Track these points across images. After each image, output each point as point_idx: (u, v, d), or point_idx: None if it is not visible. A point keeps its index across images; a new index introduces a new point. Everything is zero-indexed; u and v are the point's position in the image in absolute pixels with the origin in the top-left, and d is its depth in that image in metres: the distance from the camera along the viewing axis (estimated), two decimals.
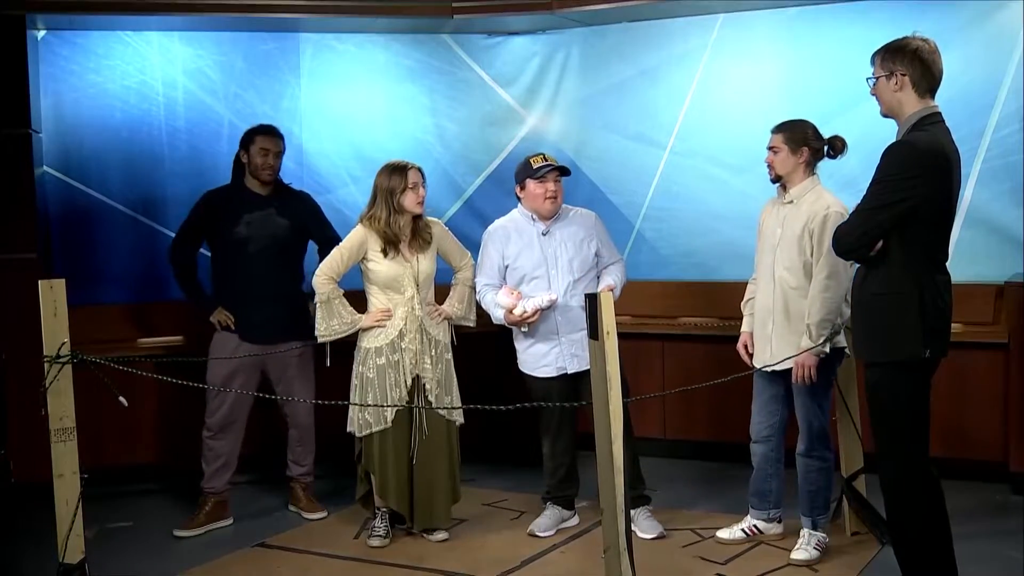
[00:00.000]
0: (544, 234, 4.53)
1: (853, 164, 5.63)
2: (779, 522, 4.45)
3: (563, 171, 4.56)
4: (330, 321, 4.50)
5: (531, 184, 4.49)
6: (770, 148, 4.24)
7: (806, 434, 4.18)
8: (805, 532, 4.24)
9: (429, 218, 4.65)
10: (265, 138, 4.94)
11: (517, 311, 4.44)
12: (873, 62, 3.50)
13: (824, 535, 4.25)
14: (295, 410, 5.00)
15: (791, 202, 4.19)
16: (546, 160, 4.51)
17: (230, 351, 4.82)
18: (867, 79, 3.52)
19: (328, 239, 4.94)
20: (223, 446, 4.89)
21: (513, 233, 4.58)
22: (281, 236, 4.91)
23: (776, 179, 4.25)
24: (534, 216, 4.55)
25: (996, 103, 5.34)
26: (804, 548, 4.19)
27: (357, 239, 4.52)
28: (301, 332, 4.85)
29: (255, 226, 4.86)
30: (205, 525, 4.84)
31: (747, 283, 4.49)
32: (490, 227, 4.68)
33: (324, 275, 4.51)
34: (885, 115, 3.52)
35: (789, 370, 4.12)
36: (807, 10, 5.72)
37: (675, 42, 6.08)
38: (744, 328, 4.41)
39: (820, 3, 5.65)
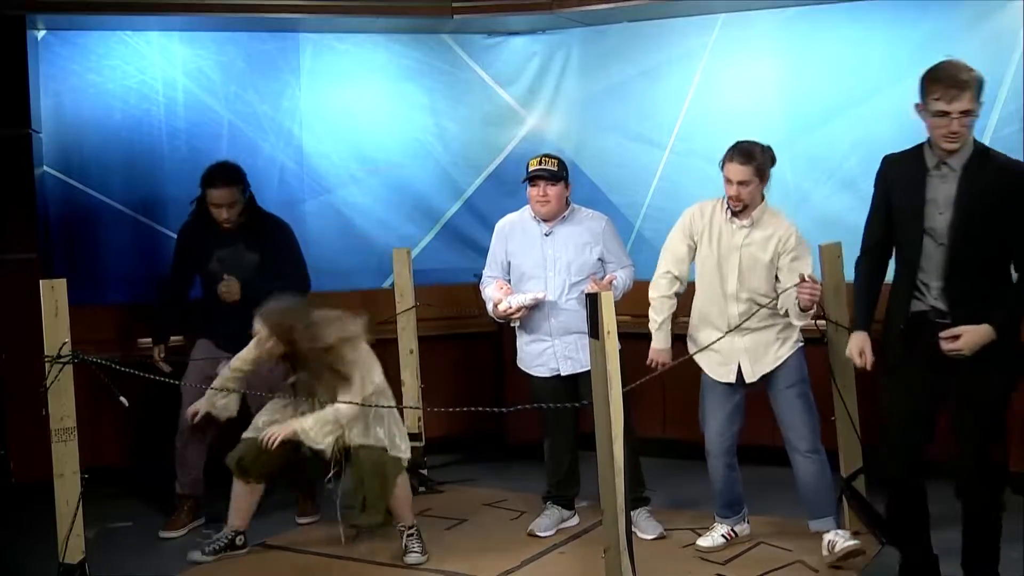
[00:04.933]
0: (547, 235, 4.54)
1: (853, 164, 5.66)
2: (746, 520, 4.48)
3: (554, 177, 4.50)
4: None
5: (528, 187, 4.53)
6: (738, 182, 4.05)
7: (810, 431, 4.15)
8: (833, 533, 4.16)
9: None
10: (213, 192, 4.74)
11: (501, 306, 4.49)
12: (971, 94, 3.31)
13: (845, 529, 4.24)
14: None
15: (747, 225, 4.14)
16: (541, 164, 4.53)
17: (205, 354, 4.83)
18: (968, 113, 3.33)
19: (282, 274, 4.78)
20: (196, 455, 4.87)
21: (518, 229, 4.61)
22: (251, 272, 4.80)
23: (741, 210, 4.13)
24: (537, 216, 4.57)
25: (996, 103, 5.33)
26: (842, 541, 4.11)
27: None
28: None
29: (226, 263, 4.79)
30: (188, 525, 4.86)
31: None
32: (500, 220, 4.74)
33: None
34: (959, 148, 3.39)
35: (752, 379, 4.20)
36: (806, 10, 5.72)
37: (675, 42, 6.08)
38: (659, 345, 4.38)
39: (819, 3, 5.65)
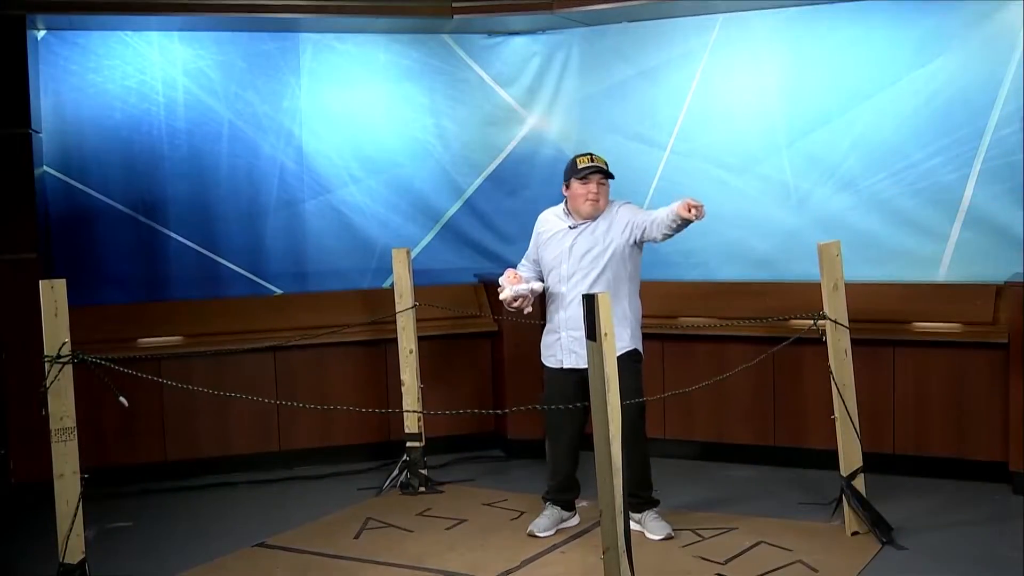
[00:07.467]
0: (572, 227, 4.51)
1: (853, 164, 5.66)
2: None
3: (607, 175, 4.47)
4: None
5: (575, 184, 4.45)
6: None
7: None
8: None
9: None
10: None
11: (502, 295, 4.53)
12: None
13: None
14: None
15: None
16: (592, 161, 4.46)
17: None
18: None
19: None
20: None
21: (551, 223, 4.60)
22: None
23: None
24: (571, 213, 4.54)
25: (996, 103, 5.34)
26: None
27: None
28: None
29: None
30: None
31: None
32: (542, 213, 4.70)
33: None
34: None
35: None
36: (807, 10, 5.72)
37: (675, 42, 6.08)
38: None
39: (820, 3, 5.65)
